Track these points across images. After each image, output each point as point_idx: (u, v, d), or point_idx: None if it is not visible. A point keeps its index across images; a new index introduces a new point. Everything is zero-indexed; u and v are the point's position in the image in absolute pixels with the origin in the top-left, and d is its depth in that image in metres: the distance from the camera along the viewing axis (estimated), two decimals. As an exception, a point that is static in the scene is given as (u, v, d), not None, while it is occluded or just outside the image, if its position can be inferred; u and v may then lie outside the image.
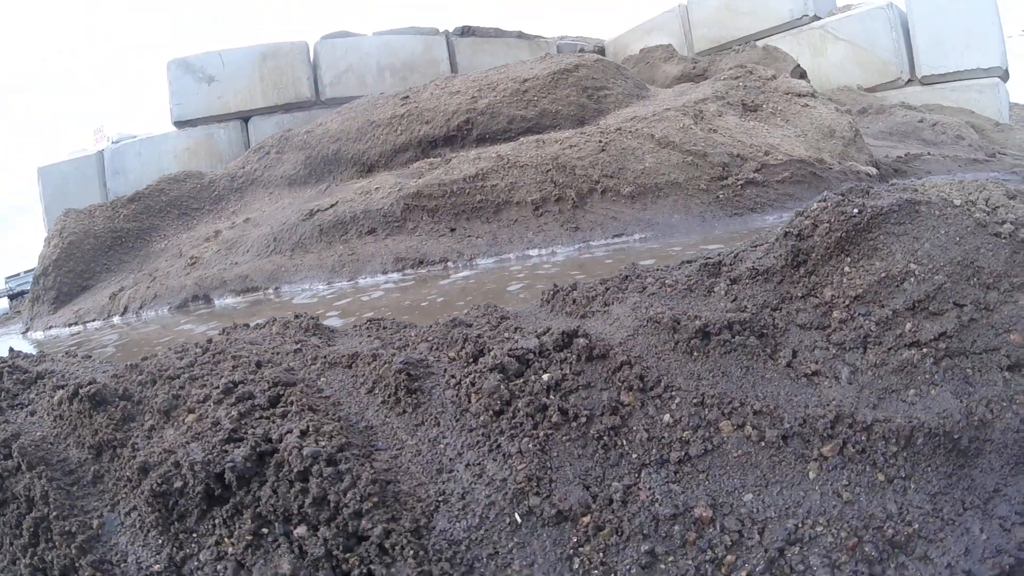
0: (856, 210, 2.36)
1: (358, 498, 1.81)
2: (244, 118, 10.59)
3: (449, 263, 5.03)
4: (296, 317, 3.30)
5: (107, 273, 7.70)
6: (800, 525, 1.78)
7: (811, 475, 1.87)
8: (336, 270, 5.67)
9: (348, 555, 1.78)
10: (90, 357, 3.66)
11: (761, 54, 9.72)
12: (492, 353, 2.11)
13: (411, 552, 1.74)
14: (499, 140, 6.42)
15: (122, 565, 2.00)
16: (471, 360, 2.20)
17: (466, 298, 3.82)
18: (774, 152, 5.65)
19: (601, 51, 11.75)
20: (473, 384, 2.06)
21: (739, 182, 5.30)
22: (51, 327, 6.82)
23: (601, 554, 1.78)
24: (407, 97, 7.25)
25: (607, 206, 5.15)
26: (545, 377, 2.03)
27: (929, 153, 7.11)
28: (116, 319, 6.44)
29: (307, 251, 6.14)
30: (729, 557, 1.75)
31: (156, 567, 1.98)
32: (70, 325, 6.72)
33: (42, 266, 7.49)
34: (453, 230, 5.31)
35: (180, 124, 10.63)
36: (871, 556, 1.72)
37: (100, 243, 7.92)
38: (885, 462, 1.88)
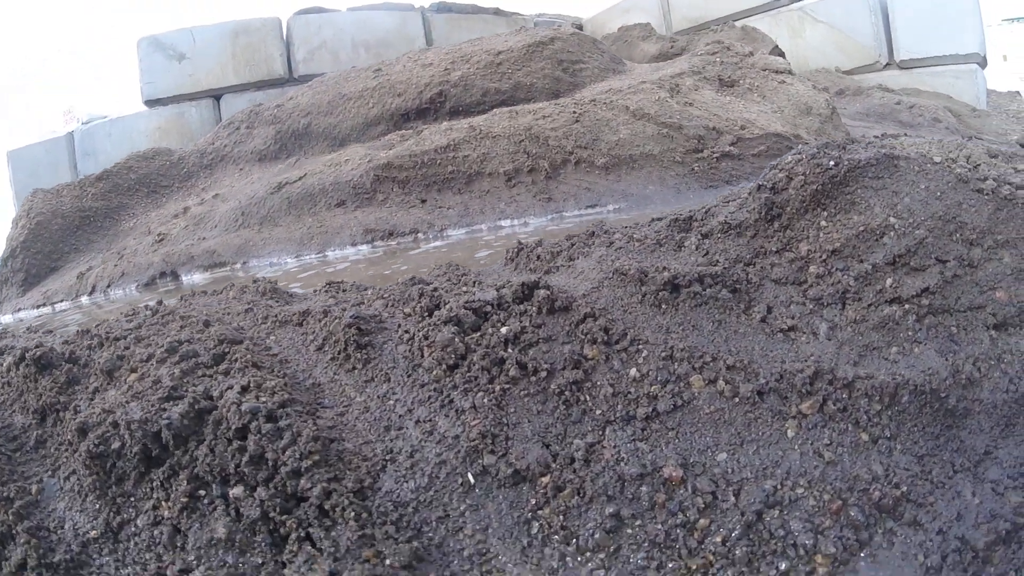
0: (832, 162, 2.25)
1: (297, 456, 1.67)
2: (216, 96, 10.35)
3: (419, 234, 4.89)
4: (254, 282, 3.16)
5: (76, 253, 7.51)
6: (779, 487, 1.66)
7: (789, 433, 1.75)
8: (304, 243, 5.52)
9: (286, 517, 1.64)
10: (51, 332, 3.51)
11: (739, 34, 9.61)
12: (448, 306, 1.97)
13: (352, 514, 1.60)
14: (473, 113, 6.26)
15: (59, 531, 1.88)
16: (426, 314, 2.05)
17: (432, 265, 3.69)
18: (750, 126, 5.54)
19: (579, 28, 11.60)
20: (426, 338, 1.92)
21: (715, 155, 5.19)
22: (20, 309, 6.62)
23: (561, 517, 1.64)
24: (379, 70, 7.08)
25: (581, 177, 5.02)
26: (503, 330, 1.89)
27: (906, 135, 7.03)
28: (84, 299, 6.27)
29: (276, 224, 5.97)
30: (702, 521, 1.62)
31: (92, 533, 1.85)
32: (39, 307, 6.53)
33: (10, 248, 7.28)
34: (424, 201, 5.16)
35: (151, 103, 10.36)
36: (857, 520, 1.60)
37: (68, 223, 7.71)
38: (869, 421, 1.76)
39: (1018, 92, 11.95)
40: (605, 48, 7.22)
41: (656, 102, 5.55)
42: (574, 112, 5.41)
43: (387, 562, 1.54)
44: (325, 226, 5.41)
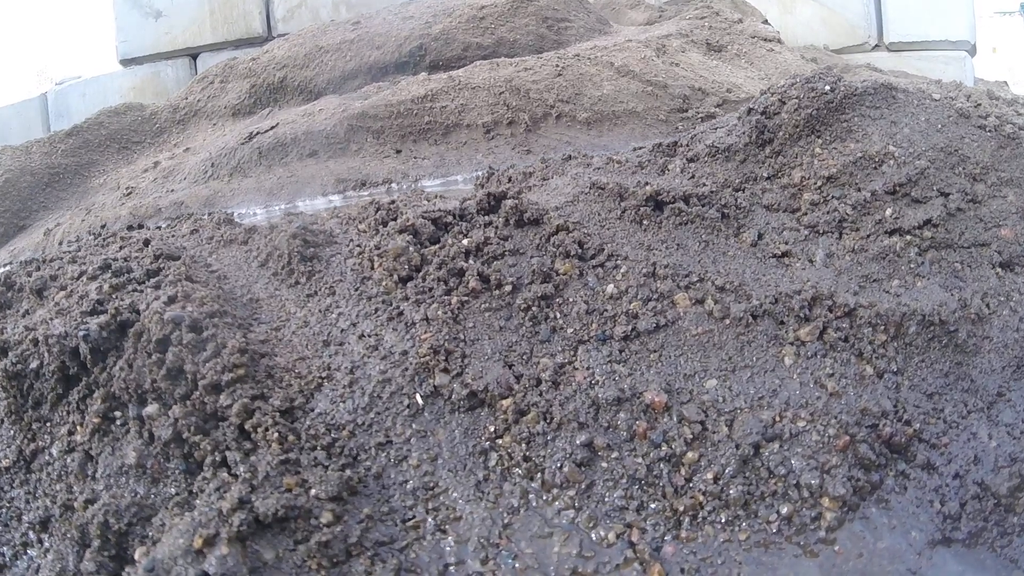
0: (829, 87, 2.08)
1: (218, 369, 1.45)
2: (193, 55, 10.03)
3: (393, 184, 4.67)
4: (209, 215, 2.93)
5: (44, 211, 7.24)
6: (778, 418, 1.45)
7: (787, 361, 1.55)
8: (274, 193, 5.27)
9: (201, 439, 1.41)
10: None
11: (729, 5, 9.41)
12: (404, 216, 1.75)
13: (276, 436, 1.37)
14: (453, 67, 6.02)
15: None
16: (380, 226, 1.83)
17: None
18: (736, 90, 5.34)
19: (567, -1, 11.37)
20: (378, 248, 1.69)
21: (700, 115, 4.98)
22: (-12, 268, 6.36)
23: (524, 446, 1.42)
24: (358, 22, 6.82)
25: (561, 131, 4.80)
26: (465, 242, 1.67)
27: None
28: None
29: (245, 175, 5.71)
30: (690, 454, 1.41)
31: (4, 462, 1.67)
32: (4, 265, 6.27)
33: (-23, 208, 6.99)
34: (399, 152, 4.93)
35: (126, 62, 10.01)
36: (867, 459, 1.40)
37: (37, 180, 7.43)
38: (873, 352, 1.58)
39: (1005, 82, 11.86)
40: (592, 8, 7.00)
41: (642, 60, 5.34)
42: (557, 65, 5.19)
43: (312, 491, 1.31)
44: (296, 176, 5.18)
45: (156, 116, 8.03)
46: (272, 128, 5.73)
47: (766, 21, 8.75)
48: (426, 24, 6.39)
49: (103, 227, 2.69)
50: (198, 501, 1.34)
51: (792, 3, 10.05)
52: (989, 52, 14.89)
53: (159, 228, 2.94)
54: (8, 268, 2.39)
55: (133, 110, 8.30)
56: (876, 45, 9.68)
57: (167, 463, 1.44)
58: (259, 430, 1.36)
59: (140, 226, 5.81)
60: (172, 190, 5.93)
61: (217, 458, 1.37)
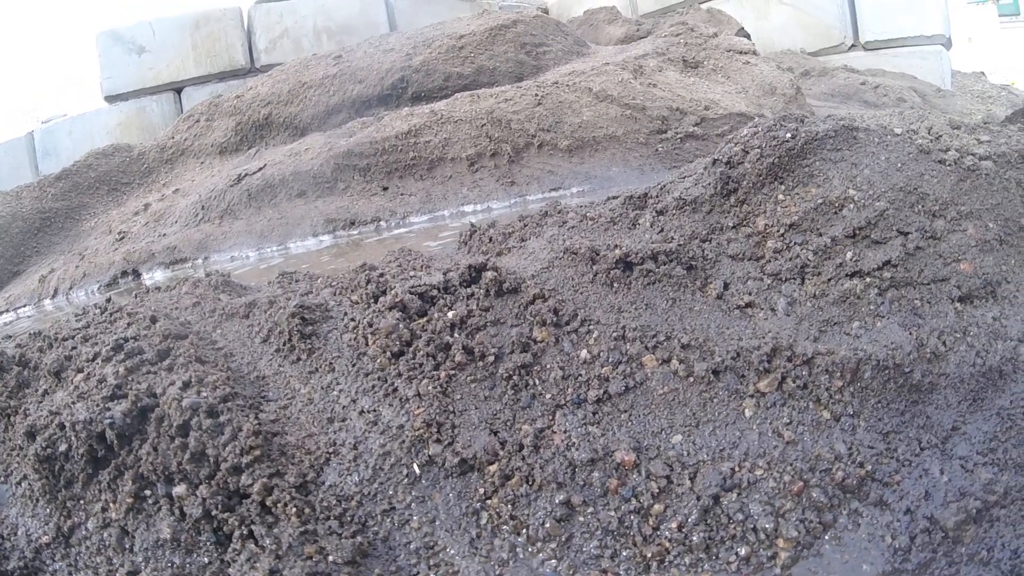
0: (790, 135, 2.19)
1: (237, 452, 1.60)
2: (177, 89, 10.17)
3: (381, 222, 4.81)
4: (207, 275, 3.07)
5: (37, 256, 7.35)
6: (737, 468, 1.60)
7: (747, 413, 1.70)
8: (265, 235, 5.41)
9: (228, 515, 1.57)
10: (11, 337, 3.42)
11: (705, 16, 9.56)
12: (393, 291, 1.90)
13: (294, 510, 1.53)
14: (435, 98, 6.17)
15: (12, 538, 1.82)
16: (372, 300, 1.98)
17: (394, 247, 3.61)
18: (714, 107, 5.50)
19: (545, 12, 11.50)
20: (371, 325, 1.85)
21: (679, 136, 5.15)
22: (-16, 316, 6.46)
23: (510, 506, 1.58)
24: (340, 57, 6.96)
25: (544, 160, 4.96)
26: (450, 315, 1.83)
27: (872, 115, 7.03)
28: (47, 302, 6.14)
29: (236, 217, 5.85)
30: (657, 506, 1.56)
31: (45, 539, 1.80)
32: (1, 313, 6.39)
33: (-30, 254, 7.11)
34: (386, 189, 5.08)
35: (111, 99, 10.14)
36: (819, 502, 1.55)
37: (29, 225, 7.55)
38: (830, 398, 1.71)
39: (983, 73, 12.04)
40: (569, 31, 7.15)
41: (619, 84, 5.49)
42: (536, 95, 5.34)
43: (330, 558, 1.48)
44: (286, 217, 5.31)
45: (144, 156, 8.17)
46: (260, 169, 5.88)
47: (742, 29, 8.93)
48: (407, 56, 6.56)
49: (108, 302, 2.81)
50: (231, 570, 1.50)
51: (767, 9, 10.22)
52: (965, 42, 15.06)
53: (158, 289, 3.06)
54: (18, 345, 2.51)
55: (121, 151, 8.43)
56: (852, 45, 9.85)
57: (199, 536, 1.59)
58: (279, 505, 1.53)
59: (135, 272, 5.95)
60: (164, 234, 6.07)
61: (244, 531, 1.53)
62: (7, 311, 6.47)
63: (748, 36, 8.76)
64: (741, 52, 6.73)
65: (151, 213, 6.64)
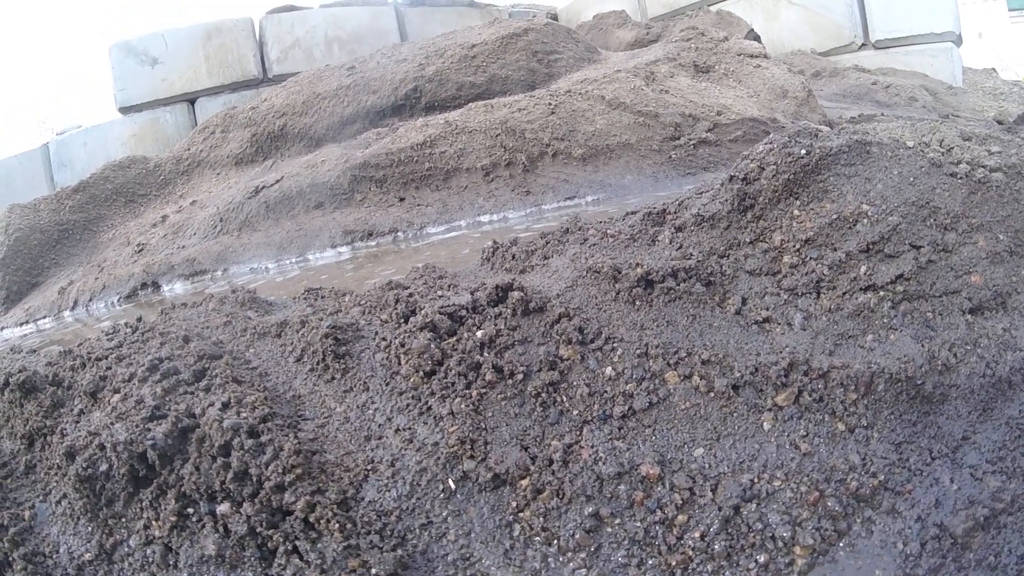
0: (804, 151, 2.25)
1: (280, 471, 1.68)
2: (190, 100, 10.28)
3: (399, 233, 4.88)
4: (233, 291, 3.14)
5: (56, 268, 7.45)
6: (756, 480, 1.67)
7: (766, 426, 1.76)
8: (284, 247, 5.49)
9: (272, 532, 1.65)
10: (36, 352, 3.50)
11: (714, 19, 9.60)
12: (423, 312, 1.98)
13: (337, 526, 1.61)
14: (448, 107, 6.25)
15: (54, 556, 1.89)
16: (402, 320, 2.06)
17: (419, 258, 3.68)
18: (727, 112, 5.55)
19: (554, 18, 11.57)
20: (403, 345, 1.93)
21: (692, 142, 5.20)
22: (3, 328, 6.57)
23: (542, 518, 1.66)
24: (353, 67, 7.04)
25: (558, 169, 5.02)
26: (479, 334, 1.90)
27: (883, 114, 7.05)
28: (67, 314, 6.22)
29: (254, 229, 5.94)
30: (680, 517, 1.64)
31: (87, 556, 1.86)
32: (22, 324, 6.48)
33: (-10, 266, 7.21)
34: (402, 200, 5.15)
35: (125, 110, 10.26)
36: (835, 511, 1.62)
37: (47, 237, 7.65)
38: (845, 410, 1.77)
39: (994, 69, 12.03)
40: (580, 38, 7.21)
41: (632, 91, 5.55)
42: (550, 104, 5.40)
43: (373, 571, 1.56)
44: (304, 229, 5.39)
45: (160, 168, 8.27)
46: (277, 181, 5.97)
47: (752, 32, 8.96)
48: (419, 66, 6.64)
49: (139, 320, 2.89)
50: (275, 585, 1.58)
51: (776, 10, 10.26)
52: (975, 39, 15.02)
53: (184, 305, 3.13)
54: (49, 363, 2.57)
55: (137, 163, 8.54)
56: (863, 44, 9.87)
57: (243, 552, 1.66)
58: (322, 521, 1.61)
59: (155, 283, 6.04)
60: (183, 246, 6.17)
61: (288, 547, 1.60)
62: (27, 322, 6.57)
63: (758, 38, 8.80)
64: (752, 55, 6.78)
65: (169, 225, 6.73)
